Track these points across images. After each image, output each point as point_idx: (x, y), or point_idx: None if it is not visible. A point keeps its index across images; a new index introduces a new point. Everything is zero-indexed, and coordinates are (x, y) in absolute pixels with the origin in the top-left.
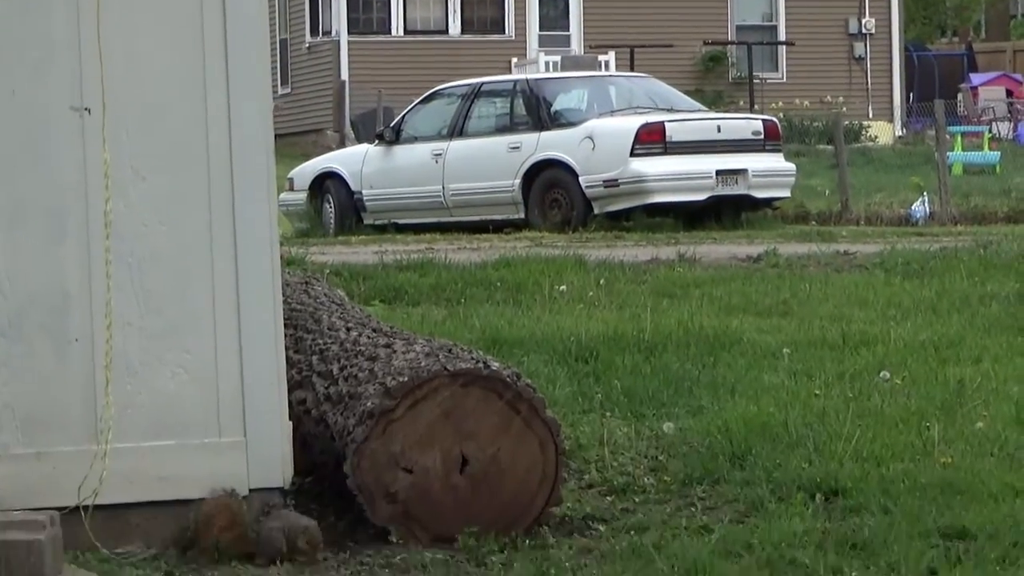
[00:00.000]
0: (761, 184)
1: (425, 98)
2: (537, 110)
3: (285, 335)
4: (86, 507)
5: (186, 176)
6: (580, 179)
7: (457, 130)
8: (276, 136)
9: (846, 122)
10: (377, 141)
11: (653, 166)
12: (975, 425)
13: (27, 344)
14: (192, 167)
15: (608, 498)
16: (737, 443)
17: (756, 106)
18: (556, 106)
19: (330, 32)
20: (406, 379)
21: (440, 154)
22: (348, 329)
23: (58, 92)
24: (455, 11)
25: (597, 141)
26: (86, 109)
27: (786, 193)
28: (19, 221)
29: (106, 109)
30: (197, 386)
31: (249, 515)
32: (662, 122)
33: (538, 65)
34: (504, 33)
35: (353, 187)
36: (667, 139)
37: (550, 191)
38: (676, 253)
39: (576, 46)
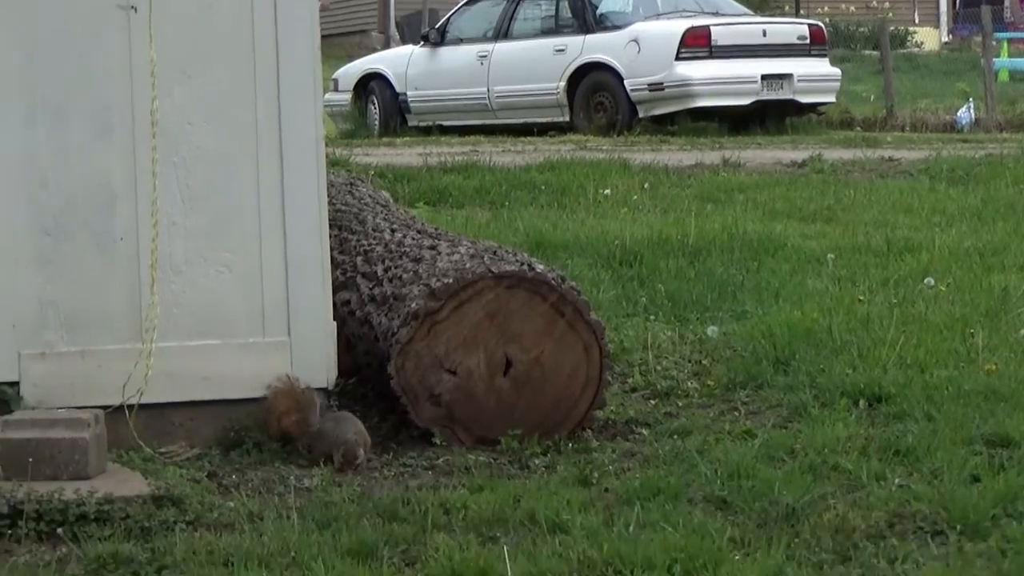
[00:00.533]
0: (806, 89)
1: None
2: (583, 13)
3: (330, 236)
4: (130, 406)
5: (232, 74)
6: (625, 82)
7: (502, 32)
8: (321, 37)
9: (892, 27)
10: (422, 42)
11: (698, 70)
12: (1019, 332)
13: (72, 242)
14: (238, 65)
15: (651, 402)
16: (781, 348)
17: (802, 11)
18: (602, 9)
19: None
20: (451, 280)
21: (485, 56)
22: (393, 230)
23: None
24: None
25: (642, 44)
26: (132, 7)
27: (831, 98)
28: (65, 118)
29: (152, 7)
30: (241, 285)
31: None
32: (708, 26)
33: None
34: None
35: (398, 88)
36: (712, 43)
37: (595, 94)
38: (720, 158)
39: None
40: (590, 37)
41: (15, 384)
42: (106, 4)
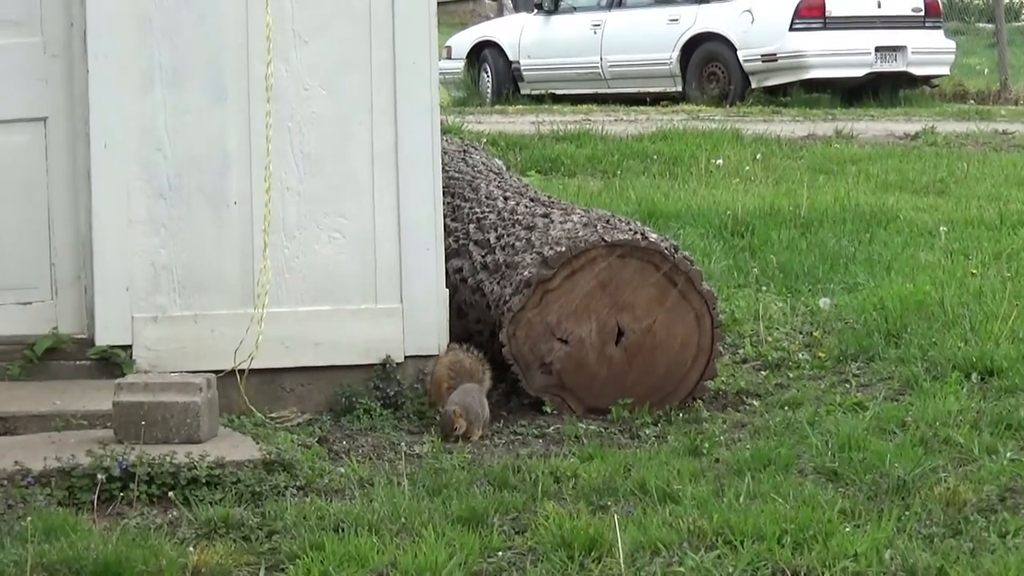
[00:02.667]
0: (920, 61)
1: None
2: None
3: (443, 203)
4: (242, 371)
5: (347, 40)
6: (738, 53)
7: (616, 1)
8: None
9: (1007, 0)
10: (536, 11)
11: (812, 41)
12: None
13: (186, 206)
14: (353, 30)
15: (762, 373)
16: (892, 321)
17: None
18: None
19: None
20: (564, 249)
21: (599, 25)
22: (506, 198)
23: None
24: None
25: (756, 15)
26: None
27: (945, 71)
28: (181, 80)
29: None
30: (354, 251)
31: (404, 382)
32: None
33: None
34: None
35: (511, 56)
36: (827, 14)
37: (708, 64)
38: (833, 129)
39: None
40: (703, 7)
41: (128, 347)
42: None
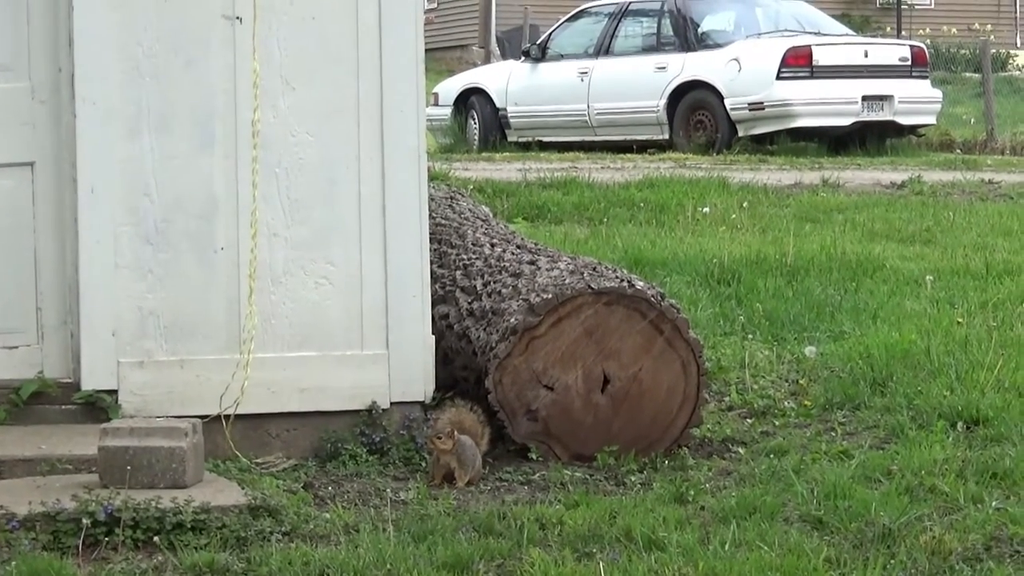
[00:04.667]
0: (907, 110)
1: (572, 16)
2: (684, 31)
3: (429, 249)
4: (227, 416)
5: (335, 86)
6: (725, 101)
7: (603, 49)
8: None
9: (993, 50)
10: (523, 58)
11: (799, 90)
12: None
13: (173, 251)
14: (341, 77)
15: (748, 421)
16: (878, 369)
17: (903, 32)
18: (703, 27)
19: None
20: (550, 296)
21: (586, 73)
22: (492, 245)
23: (211, 0)
24: None
25: (743, 63)
26: (238, 18)
27: (932, 120)
28: (168, 126)
29: (257, 18)
30: (341, 297)
31: (390, 428)
32: (809, 46)
33: None
34: None
35: (498, 103)
36: (814, 63)
37: (695, 112)
38: (820, 178)
39: None
40: (691, 55)
41: (114, 392)
42: (212, 15)
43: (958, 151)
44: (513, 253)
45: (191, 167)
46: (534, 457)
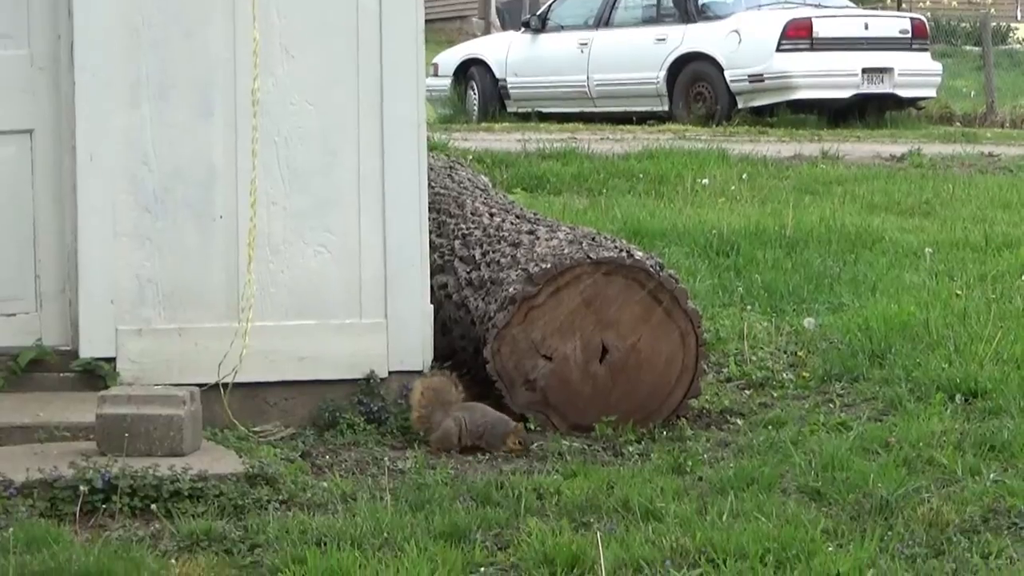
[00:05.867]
0: (907, 83)
1: None
2: (684, 3)
3: (428, 219)
4: (225, 384)
5: (335, 55)
6: (725, 73)
7: (603, 20)
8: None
9: (994, 23)
10: (523, 29)
11: (799, 62)
12: None
13: (171, 219)
14: (341, 46)
15: (746, 392)
16: (877, 341)
17: (904, 4)
18: None
19: None
20: (549, 266)
21: (586, 44)
22: (491, 215)
23: None
24: None
25: (743, 35)
26: None
27: (932, 93)
28: (168, 94)
29: None
30: (339, 266)
31: (388, 397)
32: (809, 18)
33: None
34: None
35: (497, 74)
36: (814, 35)
37: (695, 84)
38: (819, 150)
39: None
40: (691, 27)
41: (112, 360)
42: None
43: (958, 124)
44: (512, 223)
45: (190, 136)
46: (532, 427)
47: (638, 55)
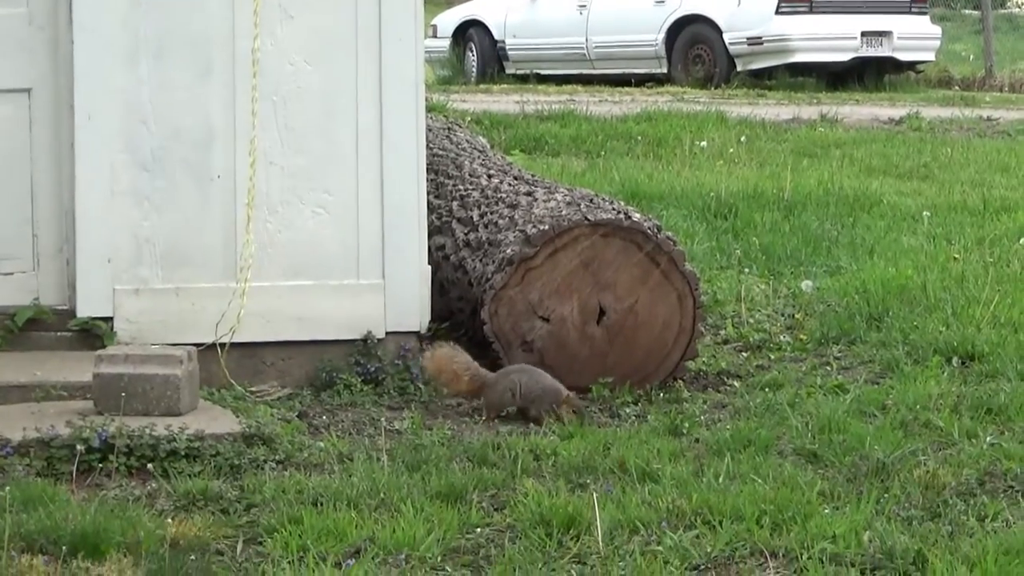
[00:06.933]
0: (906, 47)
1: None
2: None
3: (426, 180)
4: (223, 344)
5: (333, 14)
6: (724, 35)
7: None
8: None
9: None
10: None
11: (798, 25)
12: None
13: (169, 179)
14: (340, 6)
15: (743, 354)
16: (874, 304)
17: None
18: None
19: None
20: (547, 227)
21: (585, 6)
22: (489, 176)
23: None
24: None
25: None
26: None
27: (930, 56)
28: (166, 54)
29: None
30: (337, 226)
31: (385, 358)
32: None
33: None
34: None
35: (496, 36)
36: None
37: (693, 47)
38: (818, 113)
39: None
40: None
41: (109, 319)
42: None
43: (956, 88)
44: (510, 184)
45: (189, 95)
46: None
47: (637, 17)
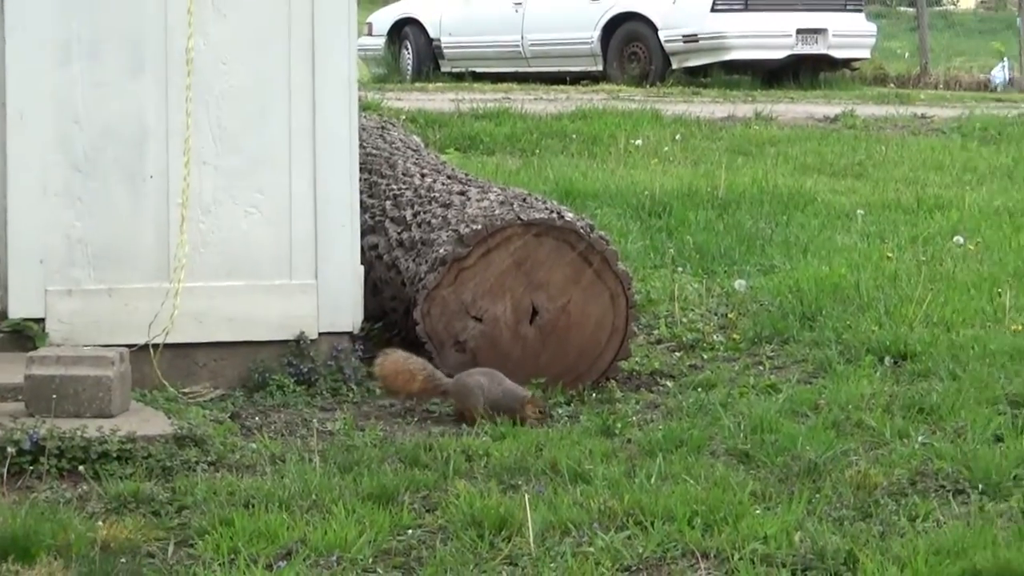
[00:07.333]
0: (841, 44)
1: None
2: None
3: (360, 179)
4: (156, 345)
5: (267, 14)
6: (659, 33)
7: None
8: None
9: None
10: None
11: (733, 22)
12: None
13: (102, 179)
14: (273, 5)
15: (676, 354)
16: (808, 303)
17: None
18: None
19: None
20: (479, 227)
21: (520, 4)
22: (423, 175)
23: None
24: None
25: None
26: None
27: (866, 54)
28: (99, 53)
29: None
30: (270, 227)
31: (318, 359)
32: None
33: None
34: None
35: (432, 34)
36: None
37: (629, 44)
38: (753, 111)
39: None
40: None
41: (41, 320)
42: None
43: (892, 85)
44: (443, 183)
45: (122, 95)
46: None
47: (572, 15)
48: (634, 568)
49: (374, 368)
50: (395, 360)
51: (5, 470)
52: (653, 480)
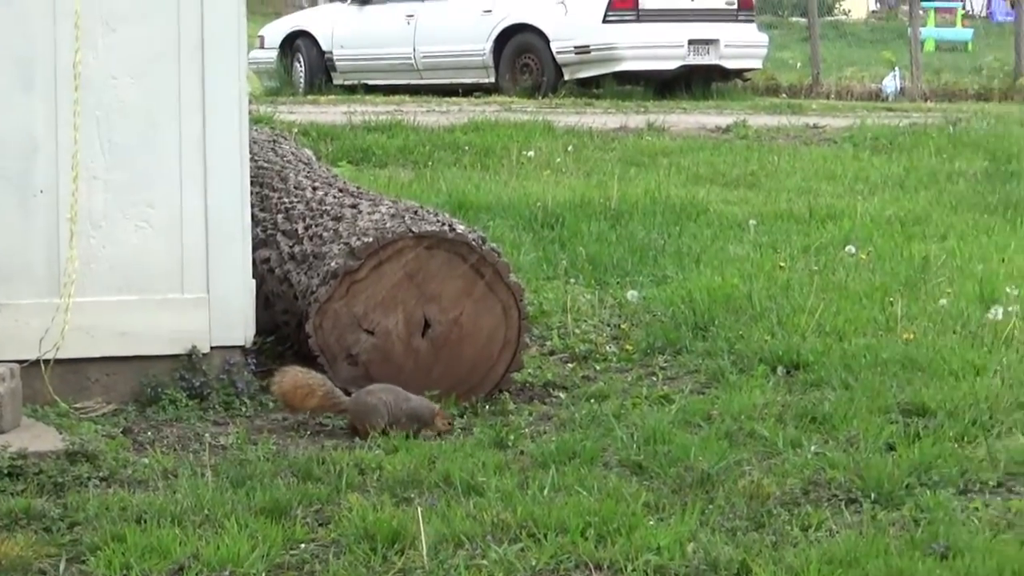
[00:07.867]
0: (733, 55)
1: None
2: None
3: (251, 193)
4: (47, 361)
5: (156, 28)
6: (551, 44)
7: None
8: None
9: None
10: (349, 1)
11: (625, 33)
12: (938, 302)
13: None
14: (162, 19)
15: (569, 365)
16: (700, 313)
17: None
18: None
19: None
20: (371, 240)
21: (412, 16)
22: (314, 188)
23: None
24: None
25: (569, 7)
26: None
27: (758, 64)
28: None
29: None
30: (161, 241)
31: (210, 373)
32: None
33: None
34: None
35: (324, 47)
36: (639, 6)
37: (521, 56)
38: (645, 122)
39: None
40: None
41: None
42: None
43: (784, 95)
44: (335, 196)
45: (10, 109)
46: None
47: (464, 27)
48: None
49: (272, 384)
50: (294, 376)
51: None
52: (546, 492)
